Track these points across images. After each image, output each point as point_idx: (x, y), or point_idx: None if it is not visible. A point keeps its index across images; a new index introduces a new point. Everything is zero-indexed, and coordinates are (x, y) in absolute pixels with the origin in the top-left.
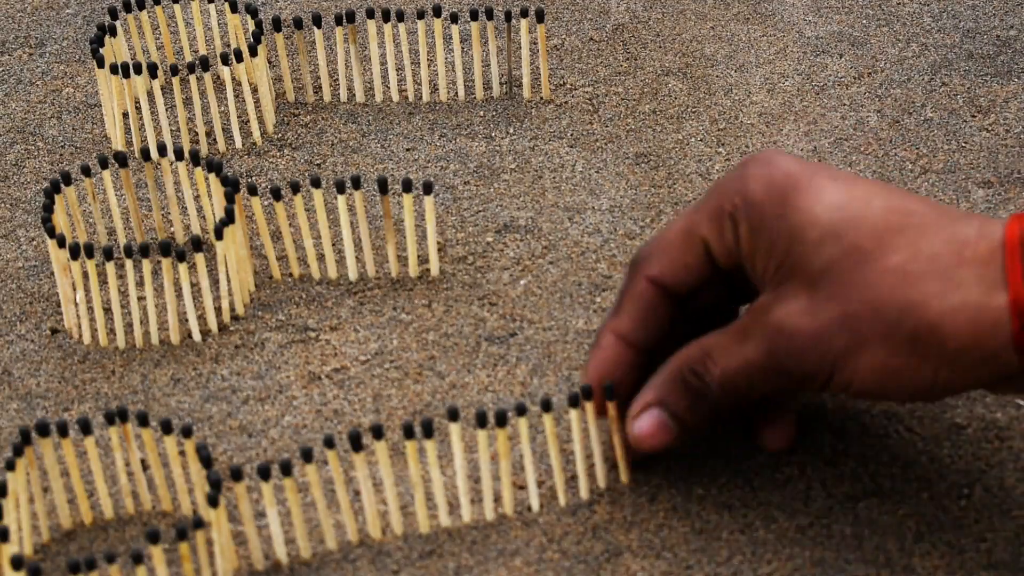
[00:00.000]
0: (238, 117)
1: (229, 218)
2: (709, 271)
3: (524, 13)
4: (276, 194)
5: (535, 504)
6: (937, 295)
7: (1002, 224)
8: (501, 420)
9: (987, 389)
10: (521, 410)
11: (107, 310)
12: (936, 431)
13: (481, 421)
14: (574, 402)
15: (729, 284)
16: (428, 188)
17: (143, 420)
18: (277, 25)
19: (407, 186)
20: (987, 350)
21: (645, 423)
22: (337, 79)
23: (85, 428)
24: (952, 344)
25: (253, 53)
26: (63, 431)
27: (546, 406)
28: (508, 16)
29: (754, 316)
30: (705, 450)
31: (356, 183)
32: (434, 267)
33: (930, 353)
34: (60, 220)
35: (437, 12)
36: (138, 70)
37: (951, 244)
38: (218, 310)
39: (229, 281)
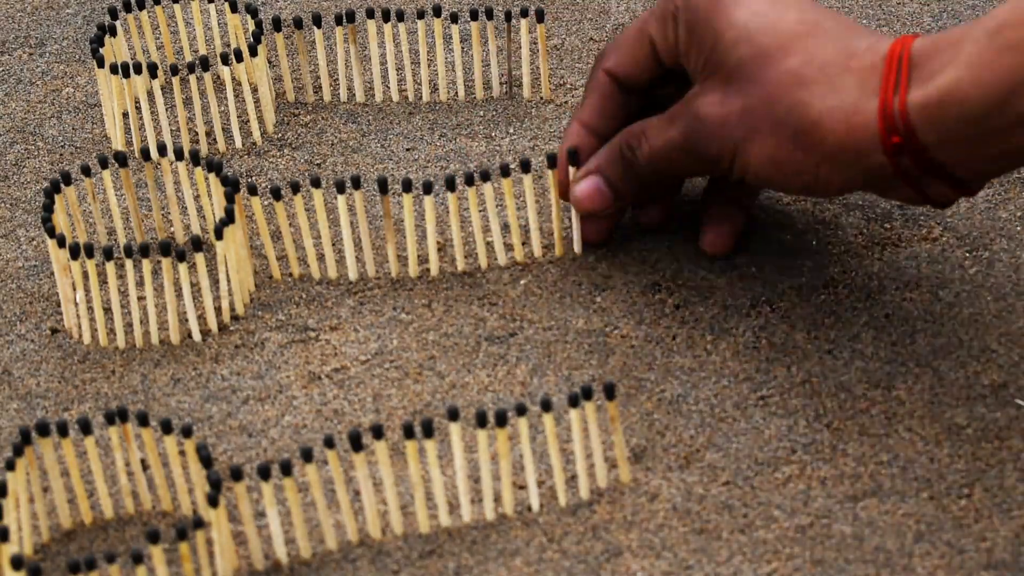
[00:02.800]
0: (238, 117)
1: (229, 218)
2: (656, 67)
3: (524, 13)
4: (276, 194)
5: (535, 504)
6: (820, 96)
7: (890, 41)
8: (501, 420)
9: (874, 191)
10: (521, 410)
11: (107, 310)
12: (936, 431)
13: (481, 421)
14: (574, 402)
15: (682, 80)
16: (428, 188)
17: (143, 420)
18: (277, 25)
19: (407, 186)
20: (859, 149)
21: (584, 187)
22: (337, 79)
23: (85, 428)
24: (830, 140)
25: (253, 53)
26: (63, 431)
27: (546, 406)
28: (508, 16)
29: (682, 104)
30: (705, 449)
31: (356, 183)
32: (434, 267)
33: (811, 148)
34: (60, 220)
35: (437, 12)
36: (138, 70)
37: (842, 54)
38: (218, 310)
39: (229, 281)
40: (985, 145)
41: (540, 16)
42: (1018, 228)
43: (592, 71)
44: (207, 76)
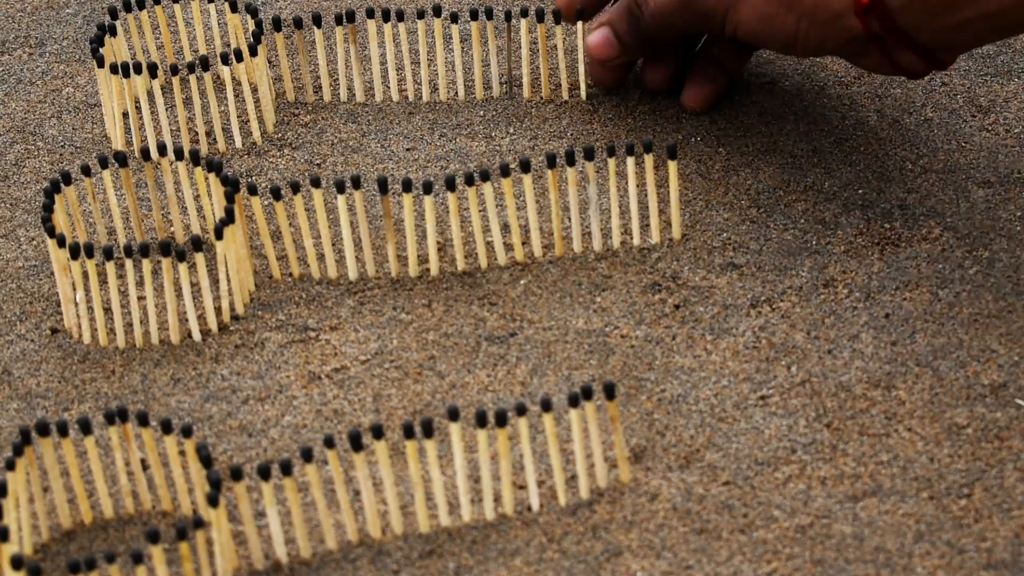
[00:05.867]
0: (238, 117)
1: (229, 218)
2: None
3: (524, 13)
4: (276, 194)
5: (535, 504)
6: None
7: None
8: (501, 420)
9: (848, 58)
10: (521, 410)
11: (107, 310)
12: (936, 431)
13: (481, 421)
14: (574, 402)
15: None
16: (428, 188)
17: (143, 420)
18: (277, 25)
19: (407, 186)
20: (834, 9)
21: (595, 37)
22: (337, 79)
23: (85, 428)
24: (808, 1)
25: (253, 53)
26: (63, 431)
27: (546, 406)
28: (508, 16)
29: None
30: (705, 449)
31: (356, 183)
32: (434, 267)
33: (794, 5)
34: (60, 220)
35: (437, 12)
36: (138, 70)
37: None
38: (218, 310)
39: (229, 281)
40: (945, 12)
41: (540, 16)
42: (1018, 228)
43: None
44: (207, 76)
